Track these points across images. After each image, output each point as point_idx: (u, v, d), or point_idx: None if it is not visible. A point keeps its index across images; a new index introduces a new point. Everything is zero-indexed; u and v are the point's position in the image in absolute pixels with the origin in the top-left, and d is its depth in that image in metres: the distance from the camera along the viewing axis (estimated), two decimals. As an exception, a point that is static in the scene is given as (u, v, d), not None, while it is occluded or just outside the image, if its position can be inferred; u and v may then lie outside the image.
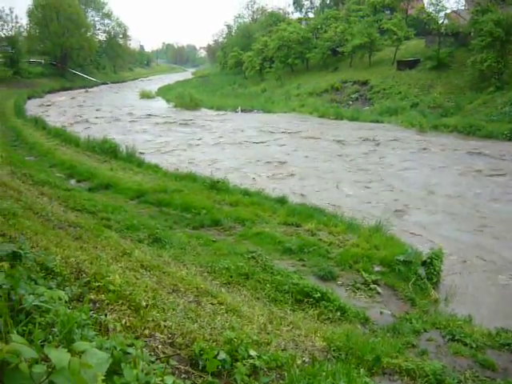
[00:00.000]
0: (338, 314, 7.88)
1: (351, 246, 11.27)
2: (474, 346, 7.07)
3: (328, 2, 78.87)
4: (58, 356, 1.77)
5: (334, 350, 5.68)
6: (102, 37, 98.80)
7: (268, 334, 5.48)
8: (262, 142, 28.56)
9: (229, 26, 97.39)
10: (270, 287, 8.38)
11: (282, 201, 15.17)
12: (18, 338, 1.85)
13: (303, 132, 31.96)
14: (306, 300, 8.12)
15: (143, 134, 31.88)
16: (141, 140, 28.35)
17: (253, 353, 4.29)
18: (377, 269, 10.25)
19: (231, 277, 8.57)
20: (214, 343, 4.23)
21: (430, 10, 47.22)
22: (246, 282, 8.49)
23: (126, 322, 4.04)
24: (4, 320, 2.41)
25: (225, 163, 22.83)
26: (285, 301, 8.01)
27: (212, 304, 6.10)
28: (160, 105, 51.05)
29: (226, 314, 5.72)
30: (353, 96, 43.65)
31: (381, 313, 8.58)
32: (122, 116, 41.32)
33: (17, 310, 2.91)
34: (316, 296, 8.13)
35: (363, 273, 9.90)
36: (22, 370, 1.72)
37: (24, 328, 2.67)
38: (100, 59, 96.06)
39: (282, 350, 4.95)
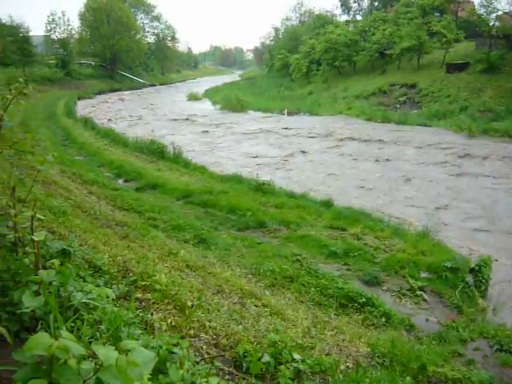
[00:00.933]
0: (383, 319, 7.78)
1: (397, 251, 11.11)
2: (524, 357, 6.87)
3: (376, 4, 78.10)
4: (106, 353, 1.79)
5: (378, 357, 5.60)
6: (150, 39, 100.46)
7: (312, 337, 5.45)
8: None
9: (276, 29, 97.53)
10: (315, 291, 8.32)
11: (327, 204, 15.06)
12: (67, 335, 1.87)
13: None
14: (350, 305, 8.04)
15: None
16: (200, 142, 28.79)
17: (297, 356, 4.28)
18: (423, 275, 10.08)
19: (275, 279, 8.54)
20: (258, 345, 4.23)
21: (481, 12, 46.29)
22: (290, 285, 8.45)
23: (171, 322, 4.07)
24: (54, 316, 2.45)
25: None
26: (329, 305, 7.94)
27: (256, 306, 6.10)
28: (207, 106, 51.40)
29: (270, 317, 5.72)
30: (400, 99, 43.04)
31: (427, 320, 8.43)
32: (171, 116, 41.88)
33: (66, 306, 2.96)
34: (361, 301, 8.05)
35: (409, 279, 9.74)
36: (71, 365, 1.75)
37: (72, 324, 2.71)
38: (148, 61, 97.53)
39: (326, 355, 4.91)
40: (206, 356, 3.71)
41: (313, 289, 8.38)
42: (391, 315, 7.93)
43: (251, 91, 62.39)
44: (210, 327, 4.34)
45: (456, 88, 40.04)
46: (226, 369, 3.70)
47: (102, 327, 2.98)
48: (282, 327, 5.23)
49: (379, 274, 9.79)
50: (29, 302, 2.55)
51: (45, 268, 2.94)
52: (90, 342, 2.48)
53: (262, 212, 13.34)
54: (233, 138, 30.81)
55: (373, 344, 5.90)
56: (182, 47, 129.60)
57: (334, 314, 7.57)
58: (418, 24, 47.99)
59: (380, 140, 29.38)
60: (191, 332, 4.09)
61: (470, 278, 10.02)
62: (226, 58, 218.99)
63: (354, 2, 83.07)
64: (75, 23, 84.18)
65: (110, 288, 3.73)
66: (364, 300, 8.06)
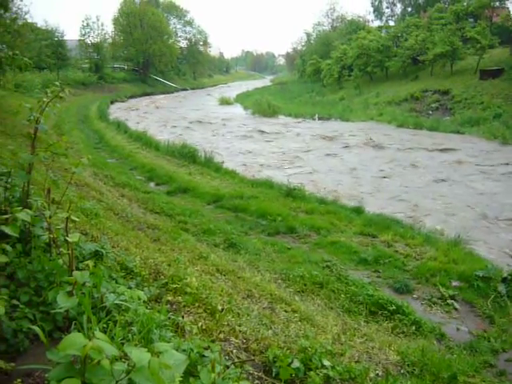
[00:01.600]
0: (413, 328, 7.69)
1: (428, 259, 10.98)
2: (558, 369, 6.74)
3: (409, 9, 77.61)
4: (139, 355, 1.80)
5: (408, 365, 5.55)
6: (183, 44, 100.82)
7: (341, 344, 5.42)
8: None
9: (308, 34, 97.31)
10: (344, 297, 8.28)
11: (358, 210, 14.95)
12: (101, 335, 1.88)
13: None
14: (380, 312, 7.97)
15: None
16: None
17: (326, 363, 4.25)
18: (454, 284, 9.94)
19: (305, 285, 8.52)
20: (288, 351, 4.22)
21: (516, 18, 45.72)
22: (319, 291, 8.42)
23: (202, 325, 4.09)
24: (87, 317, 2.47)
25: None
26: (359, 312, 7.89)
27: (286, 311, 6.09)
28: (238, 111, 51.44)
29: (299, 323, 5.70)
30: (433, 106, 42.50)
31: (457, 329, 8.31)
32: (204, 119, 42.10)
33: (98, 307, 2.99)
34: (391, 308, 7.97)
35: (440, 287, 9.62)
36: (104, 366, 1.76)
37: (104, 325, 2.74)
38: (180, 66, 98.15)
39: (356, 362, 4.88)
40: (235, 360, 3.71)
41: (342, 295, 8.34)
42: (421, 324, 7.84)
43: (282, 96, 62.22)
44: (240, 331, 4.34)
45: (489, 95, 39.41)
46: (256, 373, 3.70)
47: (134, 329, 3.00)
48: (311, 333, 5.21)
49: (410, 281, 9.69)
50: (63, 303, 2.57)
51: (78, 269, 2.97)
52: (122, 344, 2.50)
53: (293, 217, 13.31)
54: (263, 140, 30.87)
55: (403, 352, 5.85)
56: (213, 52, 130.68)
57: (364, 321, 7.52)
58: (451, 30, 47.42)
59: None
60: (221, 336, 4.10)
61: (502, 288, 9.84)
62: (257, 63, 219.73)
63: (387, 8, 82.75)
64: (109, 28, 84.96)
65: (142, 290, 3.75)
66: (394, 308, 7.98)
